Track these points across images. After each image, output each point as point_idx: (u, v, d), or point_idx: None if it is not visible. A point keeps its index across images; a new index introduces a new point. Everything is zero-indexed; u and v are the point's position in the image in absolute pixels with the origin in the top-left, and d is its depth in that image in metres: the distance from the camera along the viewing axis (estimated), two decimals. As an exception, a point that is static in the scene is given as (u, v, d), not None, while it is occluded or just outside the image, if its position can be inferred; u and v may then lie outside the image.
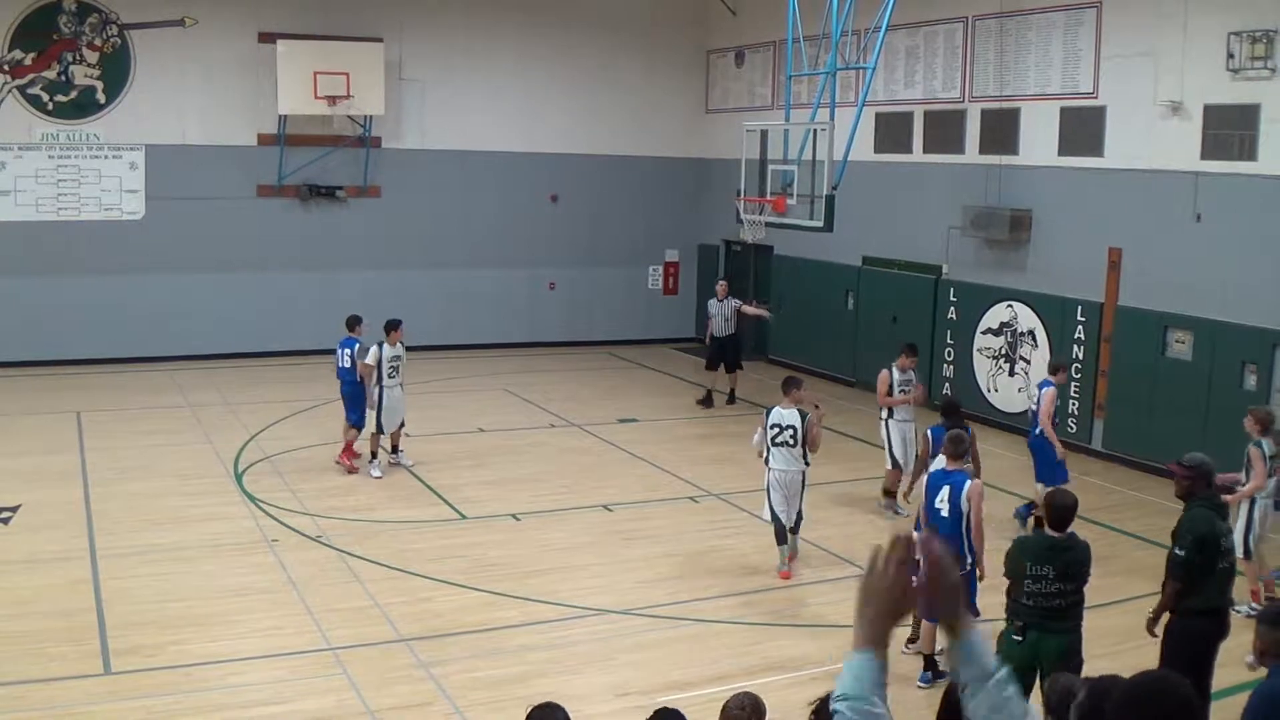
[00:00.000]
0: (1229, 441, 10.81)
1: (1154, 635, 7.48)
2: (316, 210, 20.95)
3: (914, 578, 2.50)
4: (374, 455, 13.79)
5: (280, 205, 20.69)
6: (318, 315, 20.43)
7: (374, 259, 21.11)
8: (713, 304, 18.12)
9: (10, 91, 18.95)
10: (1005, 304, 16.68)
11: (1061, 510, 7.13)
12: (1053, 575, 7.00)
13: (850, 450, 15.30)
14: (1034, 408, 12.16)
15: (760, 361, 21.38)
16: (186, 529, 11.54)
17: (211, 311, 20.21)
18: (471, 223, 21.92)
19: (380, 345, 13.58)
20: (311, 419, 16.24)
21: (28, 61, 18.98)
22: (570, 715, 4.85)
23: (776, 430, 10.57)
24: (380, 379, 13.53)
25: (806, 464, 10.68)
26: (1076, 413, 15.39)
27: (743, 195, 16.25)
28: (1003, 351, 16.79)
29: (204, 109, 19.96)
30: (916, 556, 2.51)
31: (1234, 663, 8.01)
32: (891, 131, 18.58)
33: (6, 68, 18.87)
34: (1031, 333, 16.30)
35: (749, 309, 18.15)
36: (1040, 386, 12.24)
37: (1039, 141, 16.05)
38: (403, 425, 14.08)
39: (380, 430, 13.74)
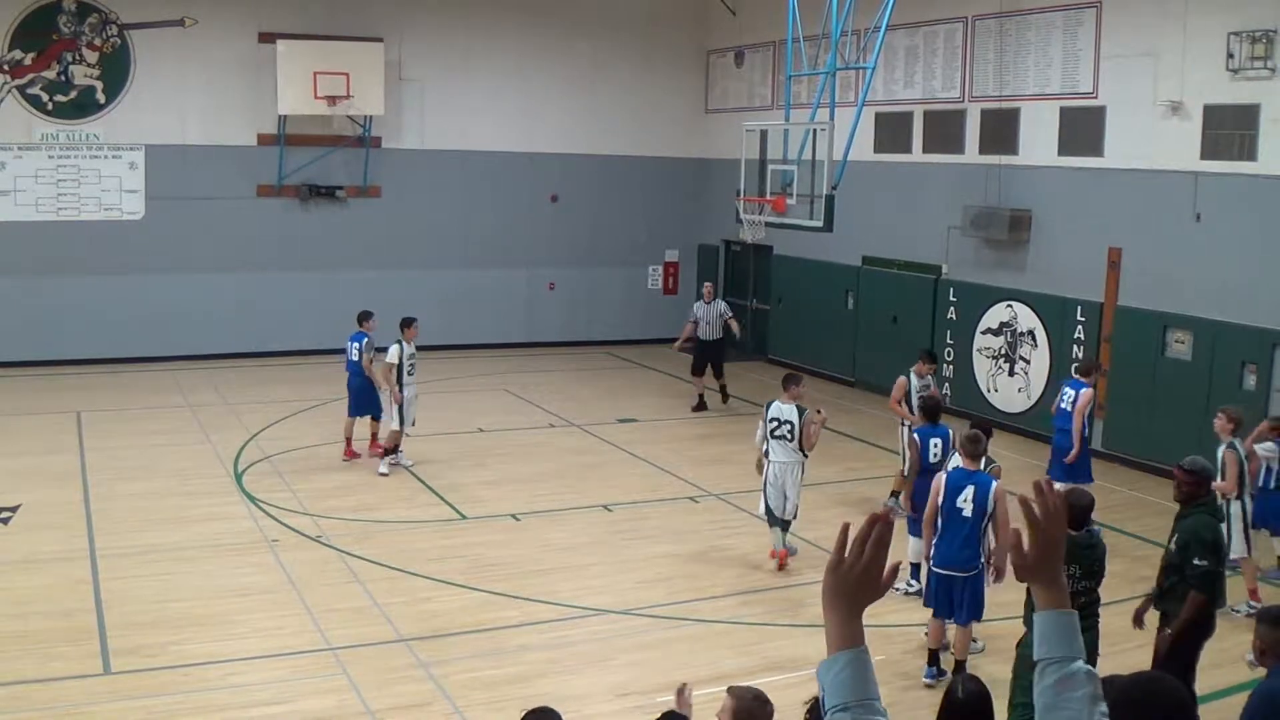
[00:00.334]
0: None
1: (1136, 625, 7.52)
2: (316, 210, 20.95)
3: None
4: (389, 451, 13.86)
5: (280, 205, 20.69)
6: (317, 315, 20.48)
7: (374, 259, 21.11)
8: (699, 306, 17.77)
9: (10, 91, 18.95)
10: (1005, 304, 16.68)
11: (1078, 510, 7.20)
12: (1080, 574, 7.11)
13: (849, 450, 15.31)
14: (1063, 405, 12.11)
15: (760, 361, 21.41)
16: (186, 529, 11.54)
17: (211, 311, 20.21)
18: (471, 223, 21.93)
19: (400, 344, 13.68)
20: (311, 419, 16.25)
21: (27, 61, 18.98)
22: (565, 718, 4.84)
23: (775, 424, 10.80)
24: (400, 377, 13.62)
25: (804, 455, 10.85)
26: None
27: (742, 195, 16.26)
28: (1002, 351, 16.79)
29: (204, 109, 19.96)
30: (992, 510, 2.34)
31: (1233, 663, 8.01)
32: (891, 131, 18.57)
33: (6, 68, 18.87)
34: (1031, 333, 16.30)
35: (733, 323, 17.71)
36: (1073, 386, 12.19)
37: (1039, 141, 16.05)
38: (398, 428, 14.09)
39: (401, 426, 13.76)
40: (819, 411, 11.09)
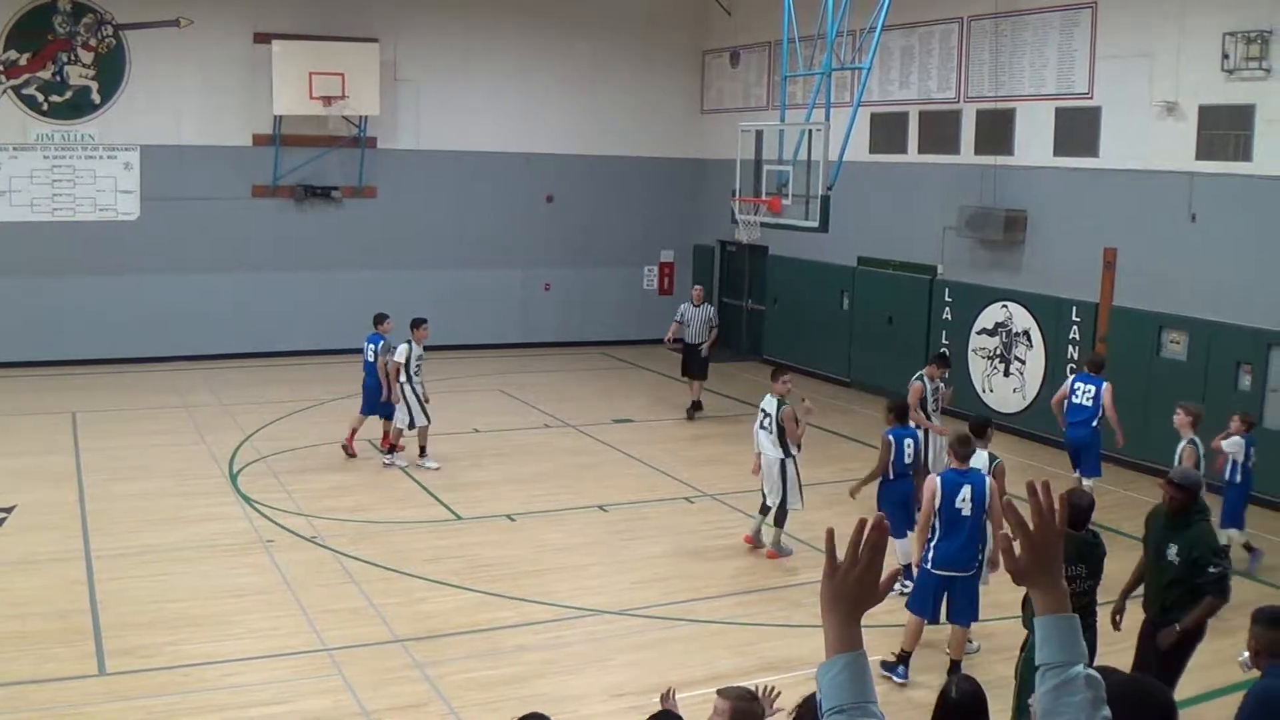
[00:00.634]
0: (1224, 442, 10.84)
1: (1116, 628, 7.52)
2: (311, 211, 20.94)
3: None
4: (409, 449, 14.06)
5: (275, 206, 20.67)
6: (313, 316, 20.48)
7: (369, 259, 21.10)
8: (687, 309, 17.40)
9: (5, 92, 18.92)
10: (1000, 304, 16.70)
11: (1077, 510, 7.24)
12: (1085, 573, 7.17)
13: (844, 450, 15.31)
14: (1076, 400, 12.12)
15: (755, 361, 21.41)
16: (182, 530, 11.53)
17: (207, 312, 20.18)
18: (467, 223, 21.92)
19: (409, 343, 13.84)
20: (307, 419, 16.25)
21: (22, 62, 18.95)
22: (562, 719, 4.83)
23: (762, 415, 11.02)
24: (409, 376, 13.71)
25: (785, 454, 10.87)
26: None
27: (738, 195, 16.28)
28: (997, 352, 16.81)
29: (199, 109, 19.93)
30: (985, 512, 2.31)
31: (1227, 663, 8.01)
32: (886, 132, 18.59)
33: (1, 68, 18.84)
34: (1026, 333, 16.32)
35: (712, 334, 17.28)
36: (1087, 382, 12.22)
37: (1034, 142, 16.08)
38: (403, 427, 14.12)
39: (412, 425, 13.90)
40: (804, 400, 11.18)
